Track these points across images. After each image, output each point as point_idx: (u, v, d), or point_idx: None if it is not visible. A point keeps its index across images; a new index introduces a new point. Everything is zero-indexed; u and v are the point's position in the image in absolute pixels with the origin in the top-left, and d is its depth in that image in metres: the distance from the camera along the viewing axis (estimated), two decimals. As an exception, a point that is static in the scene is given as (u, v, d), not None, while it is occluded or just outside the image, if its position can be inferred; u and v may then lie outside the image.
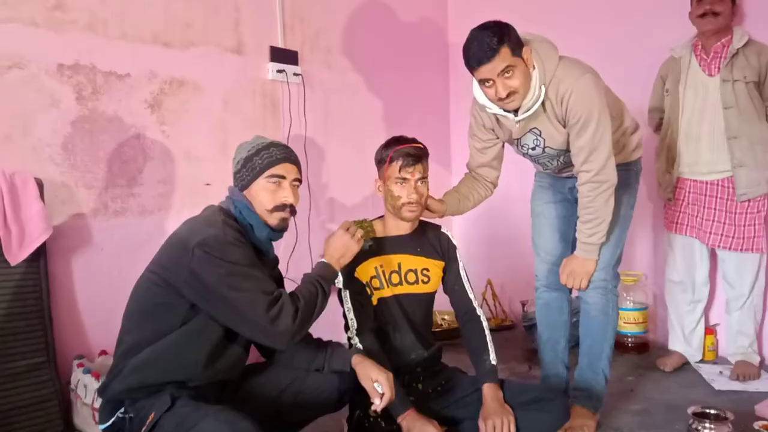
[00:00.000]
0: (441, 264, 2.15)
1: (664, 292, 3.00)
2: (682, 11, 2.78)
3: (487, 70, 1.90)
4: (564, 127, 2.04)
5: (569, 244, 2.32)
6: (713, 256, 2.85)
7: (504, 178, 2.37)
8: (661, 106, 2.85)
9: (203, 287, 1.56)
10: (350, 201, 3.36)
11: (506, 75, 1.90)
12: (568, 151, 2.10)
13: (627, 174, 2.20)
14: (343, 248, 1.80)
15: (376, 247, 2.03)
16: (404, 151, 2.00)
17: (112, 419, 1.62)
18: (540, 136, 2.09)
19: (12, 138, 2.26)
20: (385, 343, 2.03)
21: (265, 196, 1.72)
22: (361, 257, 2.03)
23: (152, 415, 1.54)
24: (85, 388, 2.16)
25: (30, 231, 2.16)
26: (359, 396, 1.78)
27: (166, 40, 2.66)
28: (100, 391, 1.67)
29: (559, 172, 2.28)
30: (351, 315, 2.01)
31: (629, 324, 3.08)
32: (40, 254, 2.21)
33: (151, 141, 2.62)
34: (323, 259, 1.79)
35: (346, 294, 2.03)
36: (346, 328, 2.02)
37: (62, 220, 2.36)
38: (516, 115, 2.03)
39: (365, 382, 1.74)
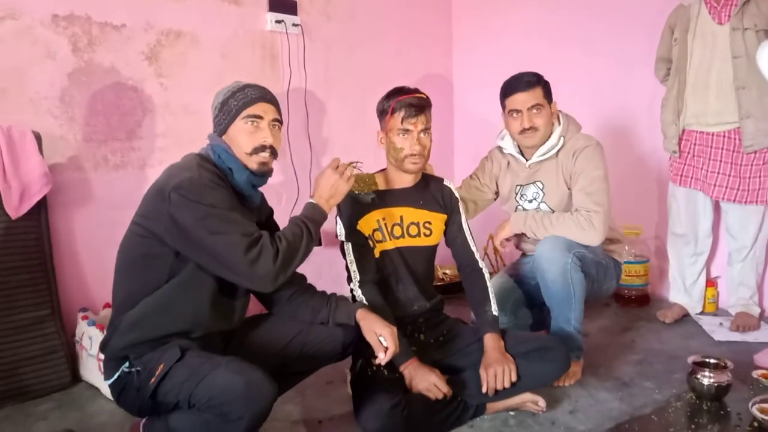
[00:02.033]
0: (443, 217, 2.14)
1: (666, 244, 3.00)
2: (692, -43, 2.69)
3: (520, 100, 2.21)
4: (567, 186, 2.26)
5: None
6: (717, 208, 2.84)
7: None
8: (669, 56, 2.79)
9: (182, 232, 1.53)
10: (352, 155, 3.31)
11: (534, 111, 2.20)
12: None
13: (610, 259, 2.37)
14: (332, 188, 1.74)
15: (378, 200, 2.02)
16: (406, 102, 1.97)
17: (117, 374, 1.63)
18: (542, 190, 2.31)
19: (8, 91, 2.23)
20: (388, 294, 2.04)
21: (243, 138, 1.67)
22: (363, 210, 2.02)
23: (161, 366, 1.54)
24: (90, 340, 2.19)
25: (30, 185, 2.15)
26: (362, 346, 1.80)
27: (161, -11, 2.60)
28: (102, 347, 1.68)
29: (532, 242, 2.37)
30: (353, 267, 2.01)
31: (630, 277, 3.09)
32: (41, 208, 2.21)
33: (149, 93, 2.58)
34: (312, 200, 1.74)
35: (348, 246, 2.02)
36: (349, 279, 2.03)
37: (62, 174, 2.35)
38: (528, 160, 2.31)
39: (369, 337, 1.74)
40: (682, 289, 2.92)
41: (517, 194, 2.38)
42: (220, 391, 1.44)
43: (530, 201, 2.34)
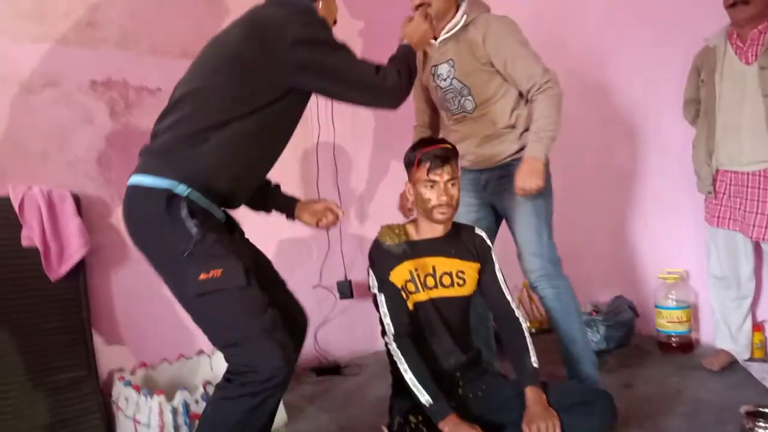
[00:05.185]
0: (476, 266, 2.12)
1: (708, 288, 2.91)
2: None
3: None
4: (477, 60, 2.26)
5: None
6: (758, 249, 2.76)
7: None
8: (697, 97, 2.77)
9: (311, 68, 1.66)
10: (382, 205, 3.33)
11: None
12: (469, 91, 2.31)
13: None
14: (422, 34, 2.00)
15: (409, 250, 2.01)
16: (432, 153, 1.98)
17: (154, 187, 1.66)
18: (453, 67, 2.32)
19: (49, 155, 2.31)
20: (423, 348, 2.00)
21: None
22: (395, 261, 2.01)
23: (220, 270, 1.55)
24: (127, 401, 2.17)
25: (69, 246, 2.20)
26: (400, 401, 1.76)
27: (195, 52, 2.66)
28: (160, 148, 1.73)
29: (457, 123, 2.40)
30: (387, 320, 1.98)
31: (672, 323, 3.00)
32: (79, 269, 2.25)
33: (183, 154, 2.64)
34: (404, 42, 1.95)
35: (381, 298, 2.00)
36: (383, 333, 2.00)
37: (100, 235, 2.40)
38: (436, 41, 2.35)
39: None
40: (727, 335, 2.81)
41: (433, 75, 2.40)
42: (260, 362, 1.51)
43: (444, 79, 2.36)
